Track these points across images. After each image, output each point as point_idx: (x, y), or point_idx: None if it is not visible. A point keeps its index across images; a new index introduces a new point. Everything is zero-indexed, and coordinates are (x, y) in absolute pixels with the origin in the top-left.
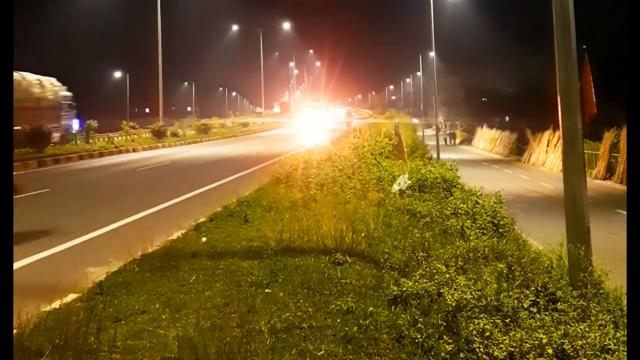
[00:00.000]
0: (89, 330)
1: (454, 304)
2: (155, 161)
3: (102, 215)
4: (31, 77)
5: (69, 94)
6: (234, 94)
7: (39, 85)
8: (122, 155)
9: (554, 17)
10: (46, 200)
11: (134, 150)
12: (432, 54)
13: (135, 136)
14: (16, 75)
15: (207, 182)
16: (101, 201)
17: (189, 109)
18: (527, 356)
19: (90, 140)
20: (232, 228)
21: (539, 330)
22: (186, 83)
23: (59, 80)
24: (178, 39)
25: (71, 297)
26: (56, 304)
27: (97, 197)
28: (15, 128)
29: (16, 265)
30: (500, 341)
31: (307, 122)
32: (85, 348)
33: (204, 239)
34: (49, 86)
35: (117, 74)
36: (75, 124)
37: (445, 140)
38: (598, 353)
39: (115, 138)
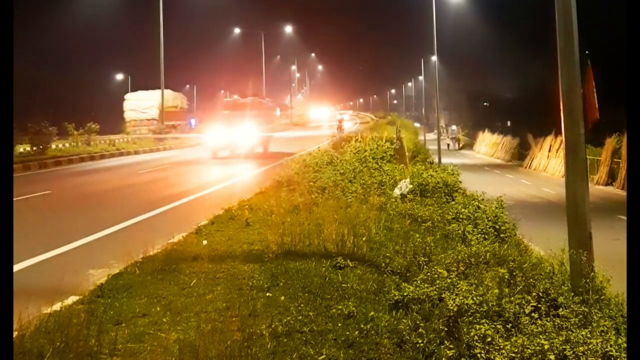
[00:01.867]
0: (90, 332)
1: (455, 309)
2: (157, 164)
3: (103, 218)
4: (174, 93)
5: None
6: (235, 96)
7: (178, 97)
8: (123, 158)
9: (556, 24)
10: (47, 202)
11: (136, 153)
12: (434, 58)
13: (137, 138)
14: (170, 91)
15: (208, 185)
16: (102, 203)
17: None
18: None
19: (92, 143)
20: (233, 231)
21: (541, 336)
22: (188, 86)
23: (59, 80)
24: (180, 41)
25: (72, 299)
26: (57, 306)
27: (98, 199)
28: (170, 123)
29: (17, 267)
30: (501, 347)
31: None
32: (86, 351)
33: (205, 242)
34: (182, 97)
35: (119, 77)
36: (193, 122)
37: (448, 145)
38: (600, 359)
39: (116, 140)
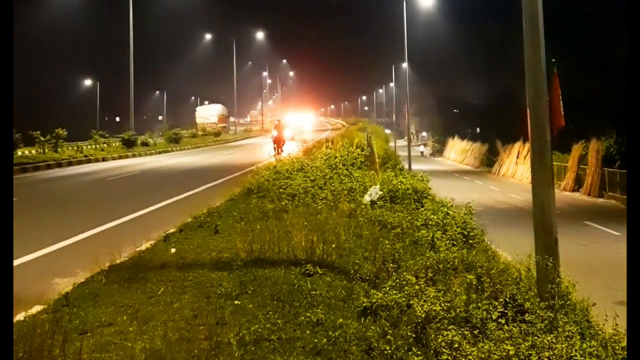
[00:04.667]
0: (54, 342)
1: (423, 316)
2: (125, 171)
3: (69, 226)
4: (222, 105)
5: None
6: (206, 102)
7: (225, 108)
8: (91, 165)
9: (524, 32)
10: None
11: (104, 160)
12: (405, 65)
13: (105, 145)
14: (220, 105)
15: (177, 192)
16: (69, 211)
17: (160, 117)
18: None
19: (59, 149)
20: (202, 239)
21: (507, 342)
22: (157, 92)
23: (25, 84)
24: (150, 47)
25: (36, 308)
26: (20, 316)
27: (64, 207)
28: (221, 125)
29: None
30: (468, 353)
31: None
32: None
33: (173, 250)
34: (225, 108)
35: (87, 82)
36: (232, 127)
37: (422, 152)
38: None
39: (84, 147)
